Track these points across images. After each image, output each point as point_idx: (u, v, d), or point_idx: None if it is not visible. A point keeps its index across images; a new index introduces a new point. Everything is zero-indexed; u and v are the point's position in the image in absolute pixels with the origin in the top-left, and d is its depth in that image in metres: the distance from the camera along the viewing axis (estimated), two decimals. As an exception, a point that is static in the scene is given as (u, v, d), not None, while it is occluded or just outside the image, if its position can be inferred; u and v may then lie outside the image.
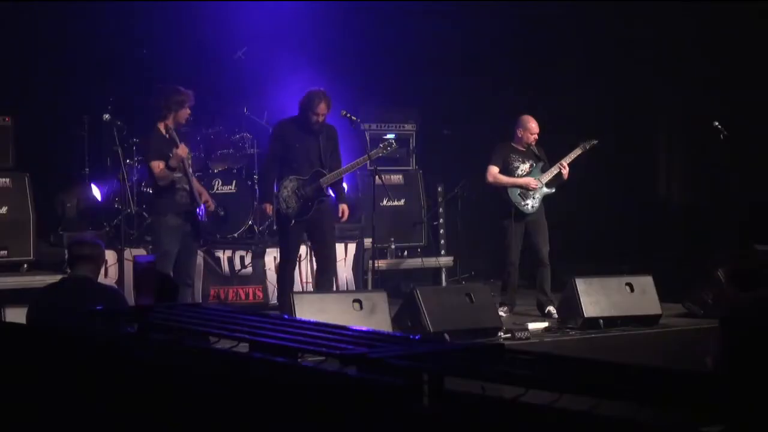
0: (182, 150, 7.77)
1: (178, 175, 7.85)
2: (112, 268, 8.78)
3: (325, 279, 8.39)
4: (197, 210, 8.00)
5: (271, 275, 9.44)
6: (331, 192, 8.31)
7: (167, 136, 7.85)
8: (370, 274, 9.54)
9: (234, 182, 9.75)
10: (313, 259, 8.82)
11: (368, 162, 8.58)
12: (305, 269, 9.43)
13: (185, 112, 7.93)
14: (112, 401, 3.40)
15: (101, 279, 8.18)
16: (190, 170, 8.05)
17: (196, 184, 8.11)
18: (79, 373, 3.58)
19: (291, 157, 8.19)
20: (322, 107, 8.07)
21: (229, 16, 10.55)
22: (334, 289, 8.55)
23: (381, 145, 8.71)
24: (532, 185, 8.97)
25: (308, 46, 10.63)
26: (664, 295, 8.55)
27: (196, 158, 8.78)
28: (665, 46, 10.92)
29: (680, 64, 10.82)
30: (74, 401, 3.55)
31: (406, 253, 10.53)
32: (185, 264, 8.00)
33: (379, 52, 11.05)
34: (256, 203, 9.82)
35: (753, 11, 9.99)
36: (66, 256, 7.13)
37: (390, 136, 10.62)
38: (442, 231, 10.84)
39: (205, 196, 8.12)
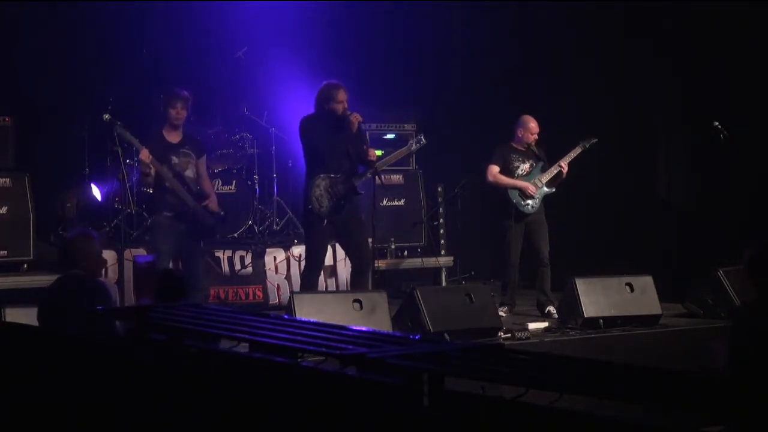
0: (143, 154, 7.84)
1: (169, 174, 7.92)
2: (112, 268, 8.78)
3: (362, 280, 8.29)
4: (203, 212, 8.02)
5: (271, 275, 9.44)
6: (361, 191, 8.26)
7: (163, 138, 7.96)
8: (370, 274, 9.54)
9: (234, 182, 9.76)
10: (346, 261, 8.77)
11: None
12: (341, 273, 9.45)
13: (171, 112, 8.00)
14: (112, 401, 3.40)
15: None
16: (188, 172, 8.07)
17: (207, 186, 8.19)
18: (78, 373, 3.58)
19: (320, 153, 8.11)
20: (342, 94, 8.05)
21: (229, 16, 10.56)
22: (370, 288, 8.42)
23: (413, 140, 8.92)
24: (530, 190, 8.98)
25: (308, 45, 10.63)
26: (664, 295, 8.56)
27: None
28: (666, 46, 10.92)
29: (681, 63, 10.82)
30: (74, 401, 3.55)
31: (406, 253, 10.53)
32: (189, 266, 8.01)
33: (379, 52, 11.05)
34: (255, 203, 9.83)
35: (754, 10, 9.99)
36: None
37: (390, 136, 10.65)
38: (442, 231, 10.84)
39: (208, 200, 8.12)
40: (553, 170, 9.06)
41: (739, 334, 5.05)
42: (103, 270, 8.75)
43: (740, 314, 5.30)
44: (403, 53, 11.17)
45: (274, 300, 9.39)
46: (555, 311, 8.80)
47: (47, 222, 9.35)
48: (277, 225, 10.04)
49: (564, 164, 9.03)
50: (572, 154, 9.12)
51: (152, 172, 7.88)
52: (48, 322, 5.57)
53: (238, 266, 9.38)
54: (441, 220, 10.85)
